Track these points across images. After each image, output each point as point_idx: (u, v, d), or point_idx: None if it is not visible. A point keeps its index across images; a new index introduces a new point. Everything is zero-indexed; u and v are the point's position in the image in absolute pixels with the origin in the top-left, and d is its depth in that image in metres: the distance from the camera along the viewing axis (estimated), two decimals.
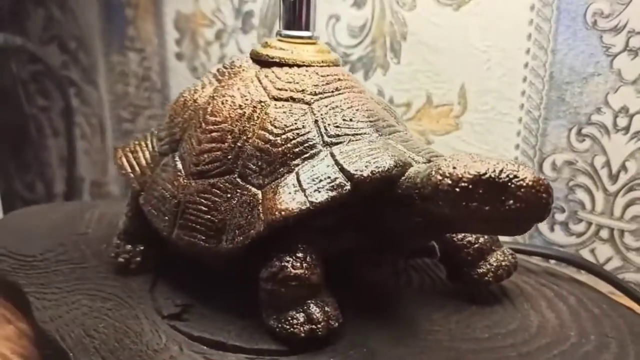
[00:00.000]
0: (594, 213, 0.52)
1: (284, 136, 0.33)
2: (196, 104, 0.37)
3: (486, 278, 0.37)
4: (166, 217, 0.36)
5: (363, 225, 0.34)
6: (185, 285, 0.38)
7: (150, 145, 0.40)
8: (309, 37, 0.38)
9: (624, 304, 0.39)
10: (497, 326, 0.35)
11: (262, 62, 0.38)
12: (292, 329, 0.31)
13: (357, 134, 0.34)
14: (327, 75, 0.36)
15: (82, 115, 0.95)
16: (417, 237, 0.35)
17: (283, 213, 0.31)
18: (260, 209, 0.32)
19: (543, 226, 0.55)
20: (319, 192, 0.31)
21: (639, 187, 0.49)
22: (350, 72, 0.64)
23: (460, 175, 0.28)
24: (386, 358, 0.31)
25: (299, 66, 0.36)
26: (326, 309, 0.32)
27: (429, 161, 0.34)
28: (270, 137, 0.33)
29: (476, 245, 0.36)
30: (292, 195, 0.31)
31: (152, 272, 0.40)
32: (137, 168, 0.39)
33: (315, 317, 0.31)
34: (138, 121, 0.90)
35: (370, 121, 0.35)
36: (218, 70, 0.40)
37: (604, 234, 0.52)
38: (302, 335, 0.31)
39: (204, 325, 0.34)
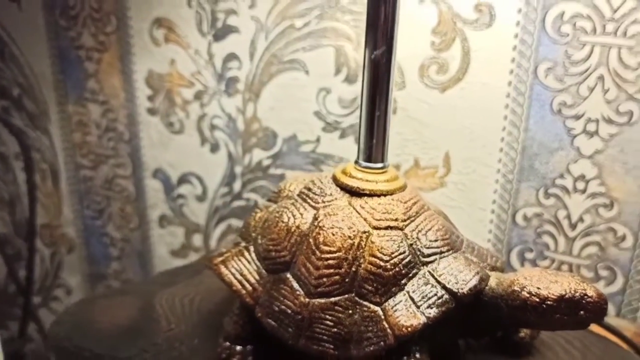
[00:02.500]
0: (557, 252, 0.66)
1: (392, 261, 0.42)
2: (300, 231, 0.45)
3: (525, 339, 0.49)
4: (290, 329, 0.44)
5: (457, 324, 0.44)
6: None
7: (252, 262, 0.47)
8: (383, 167, 0.47)
9: (615, 342, 0.53)
10: None
11: (349, 190, 0.46)
12: None
13: (442, 252, 0.44)
14: (407, 201, 0.45)
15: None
16: (497, 329, 0.46)
17: (410, 329, 0.40)
18: (386, 325, 0.41)
19: (515, 262, 0.68)
20: (431, 308, 0.41)
21: (593, 233, 0.64)
22: (341, 136, 0.73)
23: (546, 295, 0.39)
24: None
25: (384, 195, 0.45)
26: None
27: (493, 268, 0.45)
28: (381, 263, 0.42)
29: None
30: (411, 312, 0.41)
31: None
32: (247, 285, 0.46)
33: None
34: (100, 169, 0.92)
35: (446, 238, 0.45)
36: (304, 195, 0.47)
37: (565, 268, 0.66)
38: None
39: None
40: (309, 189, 0.47)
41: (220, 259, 0.48)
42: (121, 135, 0.88)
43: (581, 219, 0.64)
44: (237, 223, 0.84)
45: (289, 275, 0.45)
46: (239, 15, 0.73)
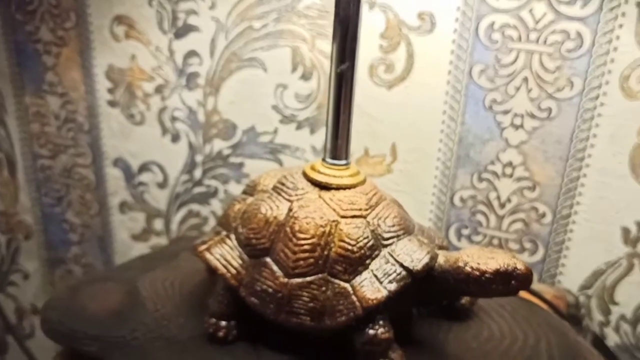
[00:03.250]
0: (488, 228, 0.76)
1: (357, 245, 0.50)
2: (278, 221, 0.52)
3: (466, 305, 0.58)
4: (271, 305, 0.51)
5: (411, 295, 0.52)
6: (281, 350, 0.53)
7: (234, 249, 0.53)
8: (346, 163, 0.54)
9: (538, 304, 0.63)
10: (478, 336, 0.57)
11: (318, 185, 0.53)
12: None
13: (399, 236, 0.52)
14: (368, 193, 0.53)
15: None
16: (444, 299, 0.55)
17: (375, 301, 0.48)
18: (355, 298, 0.49)
19: (452, 238, 0.78)
20: (392, 283, 0.49)
21: (519, 212, 0.74)
22: (298, 128, 0.80)
23: (485, 270, 0.48)
24: None
25: (349, 188, 0.53)
26: (398, 352, 0.50)
27: (440, 247, 0.53)
28: (349, 247, 0.50)
29: None
30: (375, 287, 0.49)
31: (245, 341, 0.54)
32: (231, 269, 0.53)
33: None
34: (59, 158, 0.96)
35: (402, 224, 0.53)
36: (278, 189, 0.54)
37: (495, 242, 0.76)
38: None
39: None
40: (283, 184, 0.54)
41: (205, 246, 0.55)
42: (81, 126, 0.92)
43: (509, 200, 0.74)
44: (197, 208, 0.90)
45: (268, 260, 0.52)
46: (199, 15, 0.78)
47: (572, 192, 0.70)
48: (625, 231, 0.70)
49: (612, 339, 0.75)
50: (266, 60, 0.77)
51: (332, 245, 0.50)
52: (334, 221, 0.51)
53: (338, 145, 0.54)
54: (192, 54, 0.80)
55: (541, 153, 0.70)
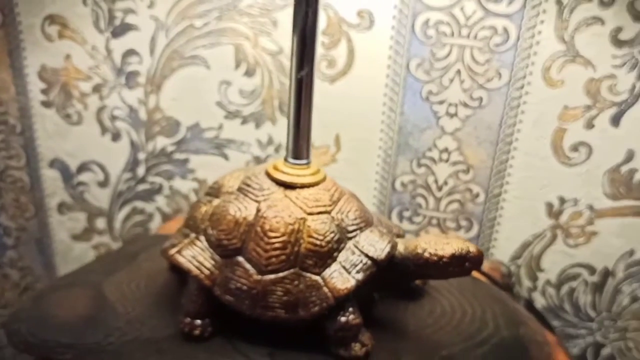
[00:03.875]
0: (428, 210, 0.82)
1: (325, 240, 0.54)
2: (247, 221, 0.54)
3: (419, 285, 0.64)
4: (246, 302, 0.54)
5: (374, 282, 0.57)
6: (257, 341, 0.56)
7: (205, 250, 0.55)
8: (308, 162, 0.58)
9: (478, 277, 0.69)
10: (433, 313, 0.62)
11: (283, 184, 0.56)
12: (355, 354, 0.54)
13: (361, 228, 0.56)
14: (330, 189, 0.57)
15: None
16: (406, 283, 0.60)
17: (345, 291, 0.52)
18: (326, 290, 0.53)
19: (395, 219, 0.83)
20: (359, 273, 0.53)
21: (455, 193, 0.80)
22: (243, 123, 0.82)
23: (442, 255, 0.53)
24: (384, 347, 0.56)
25: (312, 186, 0.56)
26: (367, 334, 0.55)
27: (399, 235, 0.58)
28: (317, 242, 0.53)
29: None
30: (344, 278, 0.53)
31: (220, 336, 0.57)
32: (204, 269, 0.55)
33: (366, 342, 0.54)
34: None
35: (362, 216, 0.57)
36: (244, 190, 0.56)
37: (434, 221, 0.82)
38: (362, 355, 0.54)
39: None
40: (248, 185, 0.57)
41: (176, 249, 0.56)
42: (13, 128, 0.89)
43: (445, 183, 0.80)
44: (141, 205, 0.90)
45: (241, 259, 0.54)
46: (137, 14, 0.78)
47: (502, 173, 0.77)
48: (549, 206, 0.77)
49: (539, 302, 0.83)
50: (209, 58, 0.78)
51: (302, 241, 0.53)
52: (301, 218, 0.54)
53: (300, 146, 0.57)
54: (131, 52, 0.80)
55: (474, 139, 0.76)
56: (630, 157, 0.72)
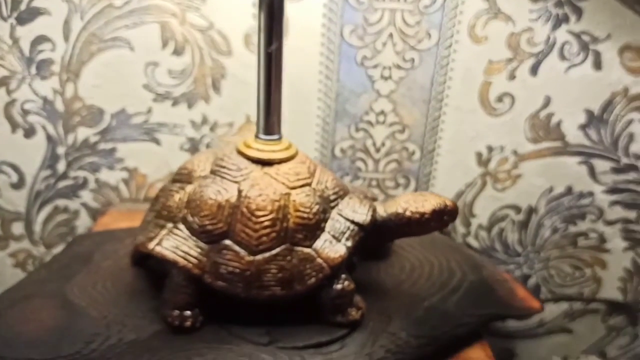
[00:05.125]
0: (367, 172, 0.84)
1: (312, 212, 0.54)
2: (230, 203, 0.53)
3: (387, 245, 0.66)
4: (240, 285, 0.53)
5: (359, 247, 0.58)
6: (250, 322, 0.55)
7: (188, 239, 0.53)
8: (279, 138, 0.57)
9: (451, 242, 0.73)
10: (404, 269, 0.65)
11: (259, 161, 0.55)
12: (353, 318, 0.55)
13: (341, 195, 0.57)
14: (305, 162, 0.57)
15: None
16: (382, 244, 0.61)
17: (339, 259, 0.53)
18: (320, 260, 0.53)
19: None
20: (348, 240, 0.55)
21: (392, 153, 0.83)
22: (174, 104, 0.78)
23: (423, 211, 0.56)
24: (372, 307, 0.58)
25: (289, 161, 0.56)
26: (358, 297, 0.56)
27: (372, 199, 0.59)
28: (305, 215, 0.54)
29: None
30: (336, 246, 0.54)
31: (212, 323, 0.55)
32: (191, 258, 0.53)
33: (360, 306, 0.56)
34: None
35: (340, 184, 0.58)
36: (219, 172, 0.55)
37: (374, 183, 0.85)
38: (359, 318, 0.56)
39: (296, 340, 0.54)
40: (223, 166, 0.55)
41: (155, 242, 0.54)
42: None
43: (383, 144, 0.82)
44: (64, 203, 0.84)
45: (229, 242, 0.53)
46: None
47: (435, 130, 0.81)
48: (478, 155, 0.83)
49: (473, 245, 0.90)
50: (132, 39, 0.74)
51: (289, 216, 0.53)
52: (286, 194, 0.54)
53: (272, 122, 0.56)
54: (41, 39, 0.73)
55: (408, 99, 0.79)
56: (547, 102, 0.79)
